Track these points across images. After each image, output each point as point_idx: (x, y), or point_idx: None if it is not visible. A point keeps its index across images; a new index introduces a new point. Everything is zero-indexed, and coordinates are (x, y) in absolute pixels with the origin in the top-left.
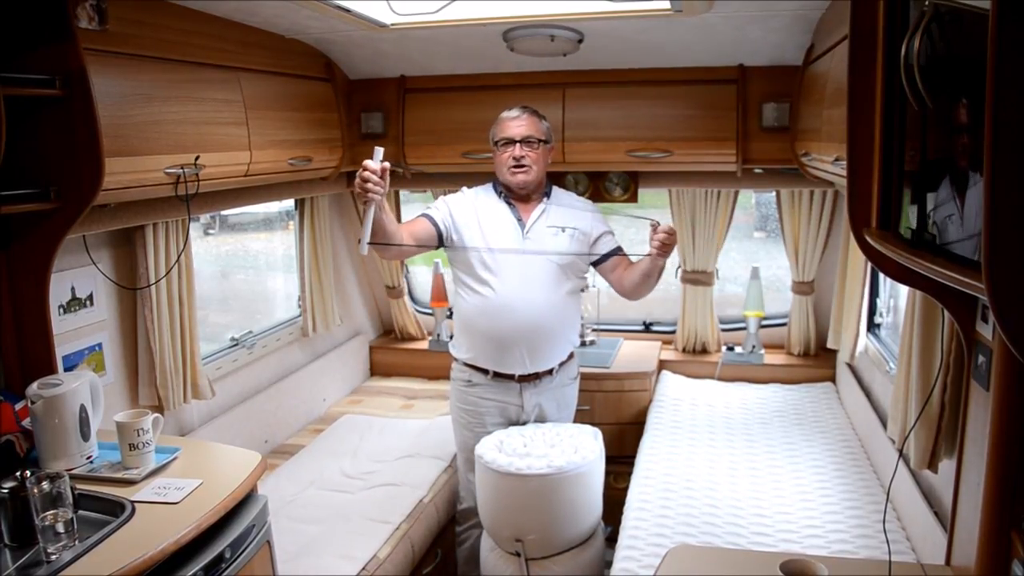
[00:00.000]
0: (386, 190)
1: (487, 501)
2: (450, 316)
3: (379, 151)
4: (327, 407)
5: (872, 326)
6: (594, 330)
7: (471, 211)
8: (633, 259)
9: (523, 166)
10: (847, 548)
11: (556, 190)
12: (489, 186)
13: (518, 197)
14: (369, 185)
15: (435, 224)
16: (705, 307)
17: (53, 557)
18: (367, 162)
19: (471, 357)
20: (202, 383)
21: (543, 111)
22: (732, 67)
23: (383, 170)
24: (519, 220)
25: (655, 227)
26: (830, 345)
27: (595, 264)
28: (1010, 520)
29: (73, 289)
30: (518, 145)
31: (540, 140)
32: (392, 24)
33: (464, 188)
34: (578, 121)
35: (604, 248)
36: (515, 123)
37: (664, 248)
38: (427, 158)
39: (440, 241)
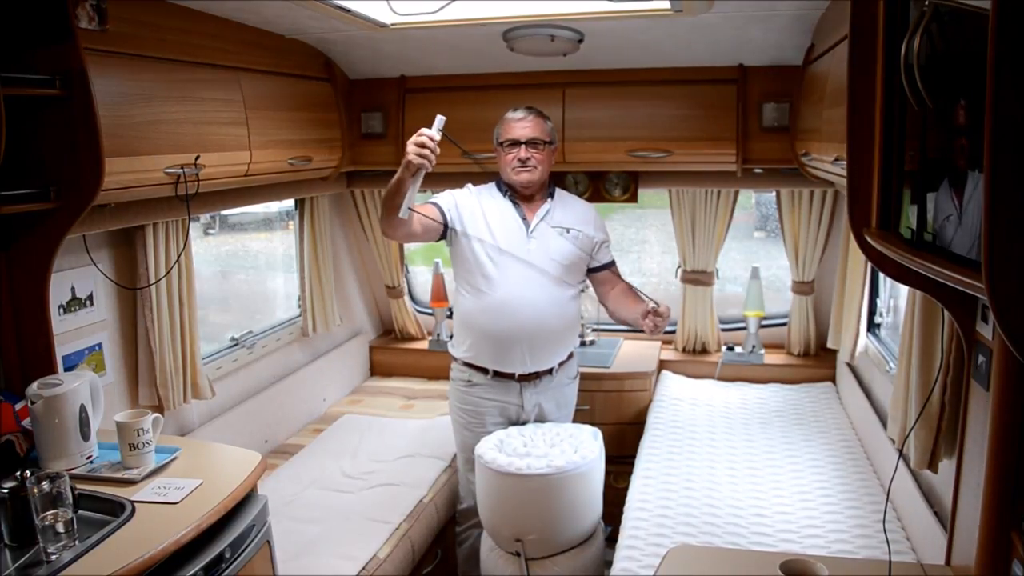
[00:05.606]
0: (434, 163)
1: (487, 501)
2: (450, 316)
3: (440, 119)
4: (327, 407)
5: (872, 326)
6: (594, 330)
7: (476, 207)
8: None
9: (528, 166)
10: (847, 548)
11: (559, 191)
12: (492, 185)
13: (522, 196)
14: (426, 151)
15: (441, 211)
16: (705, 307)
17: (53, 557)
18: (426, 130)
19: (471, 356)
20: (202, 383)
21: (543, 111)
22: (732, 67)
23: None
24: (524, 219)
25: (653, 311)
26: (830, 345)
27: (588, 271)
28: (1010, 520)
29: (73, 289)
30: (523, 147)
31: (545, 142)
32: (392, 24)
33: (469, 185)
34: (578, 121)
35: (602, 259)
36: (520, 124)
37: (654, 331)
38: None
39: (444, 231)
